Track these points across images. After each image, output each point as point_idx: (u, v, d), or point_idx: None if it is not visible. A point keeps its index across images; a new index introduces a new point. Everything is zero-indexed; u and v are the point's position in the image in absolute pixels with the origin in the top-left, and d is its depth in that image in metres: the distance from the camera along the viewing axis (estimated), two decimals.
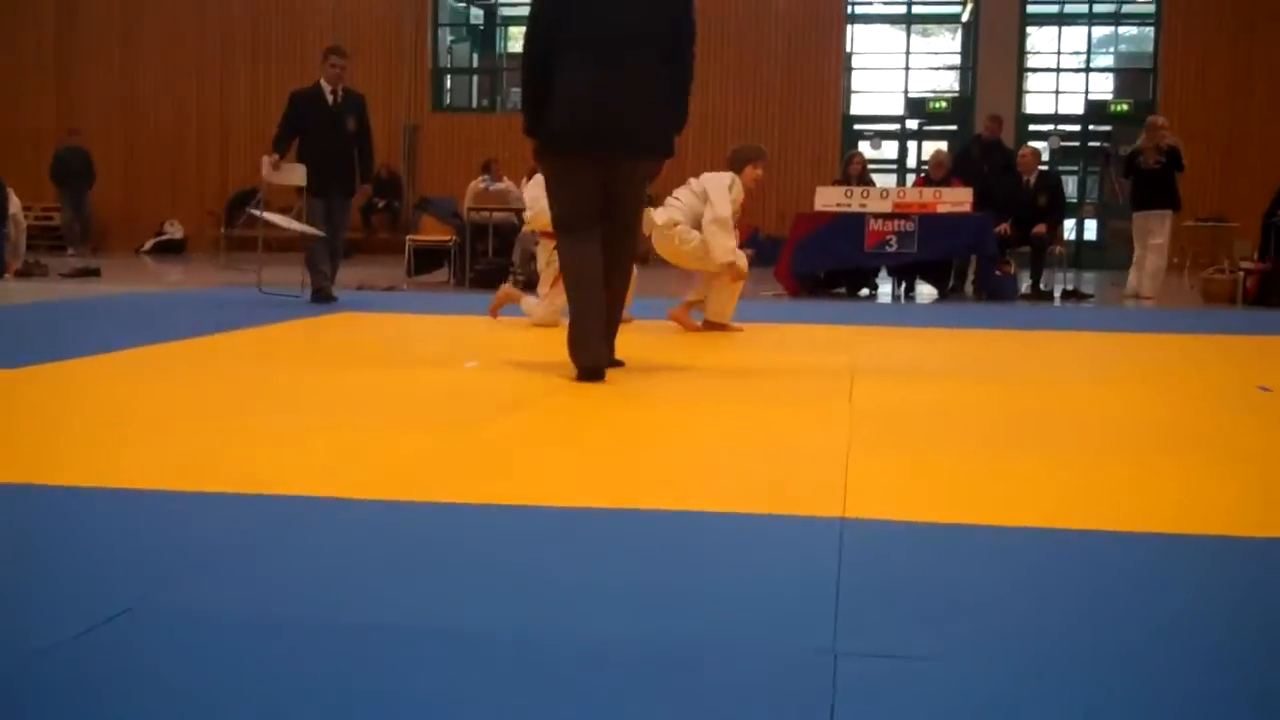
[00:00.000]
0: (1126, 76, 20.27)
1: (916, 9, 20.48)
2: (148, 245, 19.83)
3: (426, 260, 12.89)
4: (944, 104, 19.82)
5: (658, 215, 7.34)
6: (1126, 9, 20.46)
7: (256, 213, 9.26)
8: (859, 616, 2.06)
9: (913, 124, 19.87)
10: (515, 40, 22.79)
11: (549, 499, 2.90)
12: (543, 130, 5.04)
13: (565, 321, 6.22)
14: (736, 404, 4.56)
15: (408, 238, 13.10)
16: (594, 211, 5.03)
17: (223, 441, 3.59)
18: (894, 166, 20.01)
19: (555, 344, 5.45)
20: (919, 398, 4.73)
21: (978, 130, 14.68)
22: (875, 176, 16.92)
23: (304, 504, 2.80)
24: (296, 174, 8.95)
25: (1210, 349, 7.14)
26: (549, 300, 7.47)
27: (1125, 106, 19.32)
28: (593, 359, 4.92)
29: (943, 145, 16.71)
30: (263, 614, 2.03)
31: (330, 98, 8.91)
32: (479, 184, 13.06)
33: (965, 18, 19.80)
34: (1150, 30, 19.29)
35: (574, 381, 4.87)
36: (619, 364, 5.24)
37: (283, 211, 10.61)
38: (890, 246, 11.34)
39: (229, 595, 2.14)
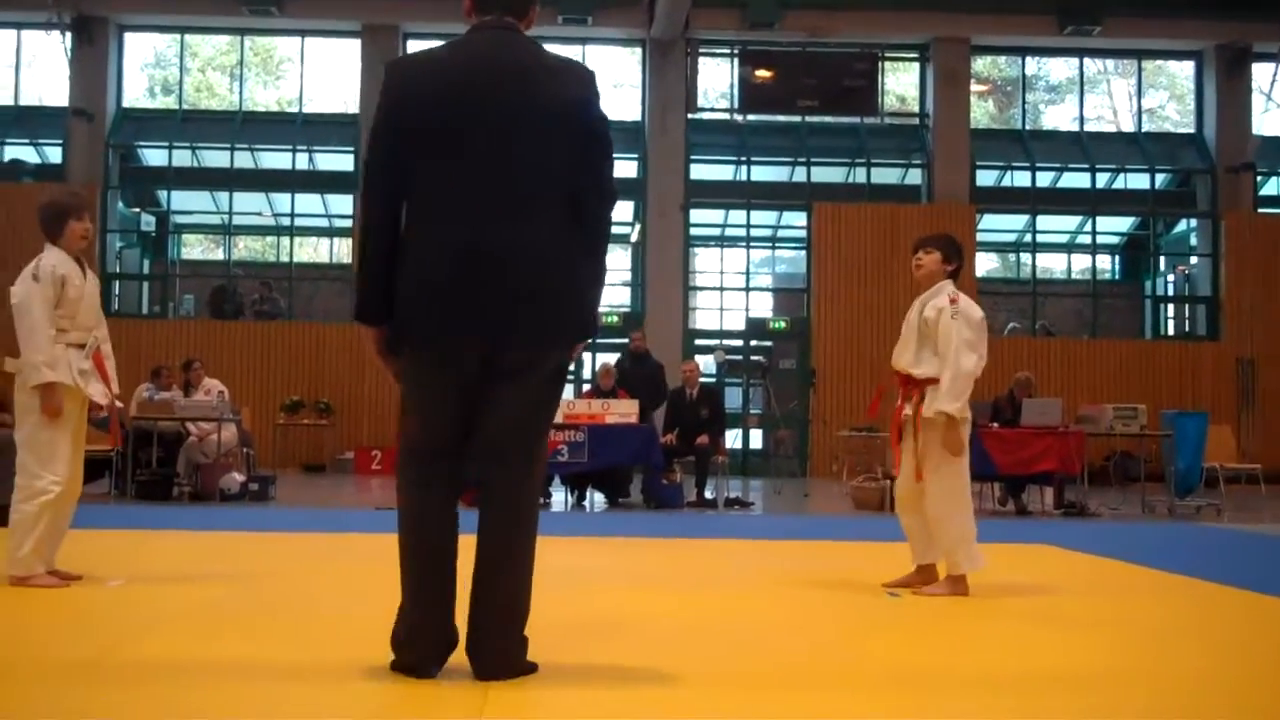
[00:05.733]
0: (783, 296, 21.76)
1: None
2: None
3: (87, 470, 12.35)
4: (616, 319, 20.65)
5: None
6: (782, 233, 22.03)
7: None
8: None
9: None
10: (188, 246, 22.48)
11: None
12: (375, 312, 3.53)
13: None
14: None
15: None
16: (451, 439, 3.60)
17: None
18: (571, 378, 20.61)
19: (209, 554, 5.24)
20: (581, 608, 4.89)
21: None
22: None
23: None
24: None
25: (852, 555, 7.61)
26: None
27: (783, 324, 20.67)
28: (411, 657, 3.49)
29: (610, 359, 17.33)
30: None
31: None
32: (142, 392, 12.69)
33: (634, 238, 20.85)
34: (803, 253, 20.79)
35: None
36: (531, 668, 3.57)
37: None
38: (562, 456, 11.63)
39: None
